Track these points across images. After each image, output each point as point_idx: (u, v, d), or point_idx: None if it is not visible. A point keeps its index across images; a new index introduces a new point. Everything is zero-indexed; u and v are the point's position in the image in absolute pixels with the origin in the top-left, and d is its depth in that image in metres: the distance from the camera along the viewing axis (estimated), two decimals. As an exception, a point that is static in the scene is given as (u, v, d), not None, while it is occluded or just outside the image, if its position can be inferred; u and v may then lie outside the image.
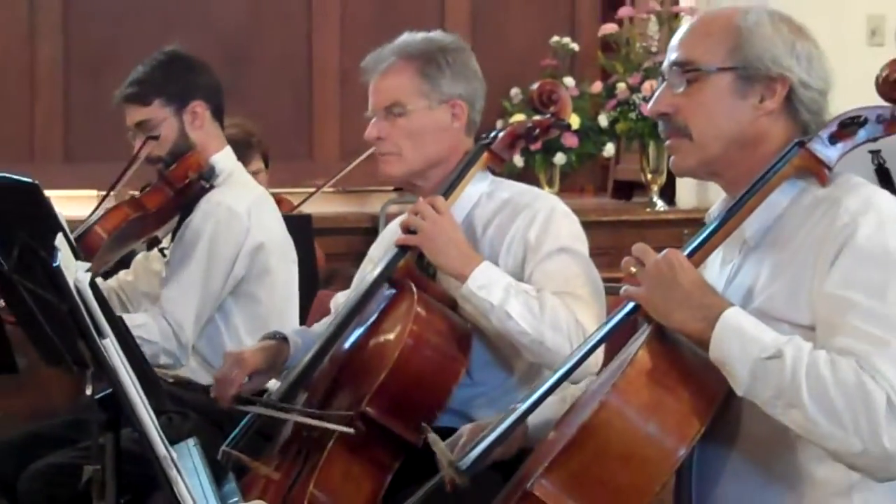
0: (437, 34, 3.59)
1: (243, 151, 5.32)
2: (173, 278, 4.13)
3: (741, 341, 2.42)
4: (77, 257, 2.59)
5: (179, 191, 4.13)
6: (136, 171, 4.24)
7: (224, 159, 4.29)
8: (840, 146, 2.57)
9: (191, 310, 4.08)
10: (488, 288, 3.24)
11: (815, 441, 2.39)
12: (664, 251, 2.52)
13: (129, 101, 4.22)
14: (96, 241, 4.04)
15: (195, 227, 4.13)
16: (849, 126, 2.57)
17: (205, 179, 4.14)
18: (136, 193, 4.16)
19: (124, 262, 4.55)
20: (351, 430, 3.10)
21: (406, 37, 3.55)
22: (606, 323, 2.67)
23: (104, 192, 4.27)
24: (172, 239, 4.22)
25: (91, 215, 4.10)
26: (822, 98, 2.62)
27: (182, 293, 4.09)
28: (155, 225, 4.18)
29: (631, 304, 2.58)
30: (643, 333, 2.54)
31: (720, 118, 2.62)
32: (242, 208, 4.16)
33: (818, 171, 2.57)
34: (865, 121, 2.58)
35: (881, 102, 2.59)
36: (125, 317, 3.98)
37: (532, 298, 3.20)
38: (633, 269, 2.54)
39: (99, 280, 4.24)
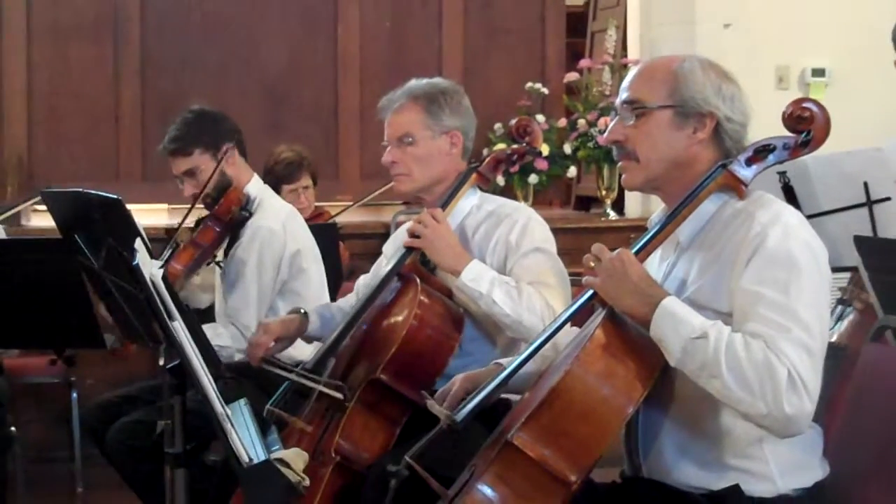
0: (437, 80, 3.59)
1: (295, 170, 5.34)
2: (235, 292, 4.12)
3: (675, 323, 2.42)
4: (152, 257, 2.59)
5: (226, 224, 4.12)
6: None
7: (254, 186, 4.27)
8: (754, 168, 2.57)
9: (252, 314, 4.08)
10: (477, 280, 3.24)
11: (730, 405, 2.40)
12: (617, 250, 2.52)
13: (173, 155, 4.19)
14: (177, 273, 4.05)
15: (245, 247, 4.12)
16: (761, 152, 2.57)
17: (245, 210, 4.14)
18: (193, 232, 4.16)
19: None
20: (340, 396, 3.13)
21: (413, 82, 3.54)
22: (570, 306, 2.67)
23: (173, 205, 4.26)
24: (225, 255, 4.21)
25: (168, 254, 4.08)
26: (742, 129, 2.62)
27: (244, 302, 4.09)
28: (212, 252, 4.18)
29: (590, 292, 2.57)
30: (599, 316, 2.54)
31: (661, 145, 2.61)
32: (279, 226, 4.15)
33: (737, 188, 2.57)
34: (774, 147, 2.58)
35: (787, 133, 2.58)
36: (208, 328, 3.99)
37: (512, 288, 3.20)
38: (592, 264, 2.52)
39: None
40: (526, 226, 3.41)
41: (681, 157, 2.61)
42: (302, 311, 3.59)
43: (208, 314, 4.43)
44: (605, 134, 2.74)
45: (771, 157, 2.58)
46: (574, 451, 2.42)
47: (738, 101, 2.62)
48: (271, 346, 3.46)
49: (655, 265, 2.71)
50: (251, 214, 4.15)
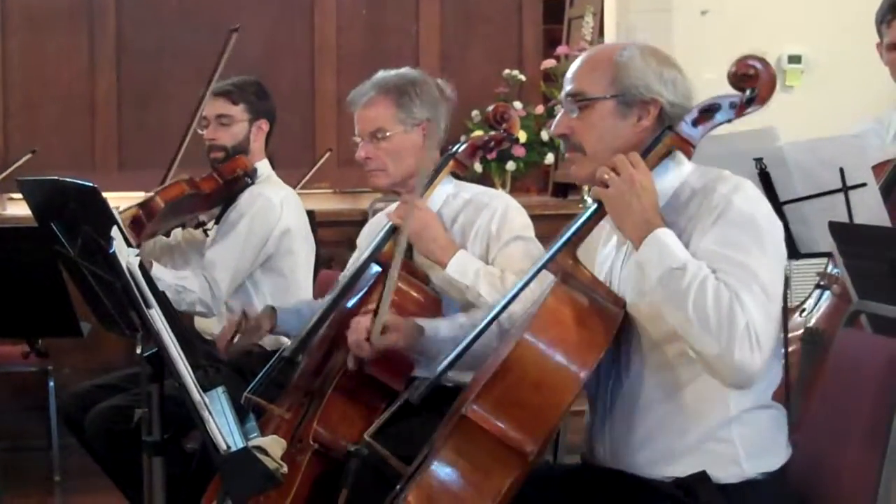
0: (406, 70, 3.58)
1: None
2: (216, 245, 4.18)
3: (660, 252, 2.43)
4: (129, 246, 2.59)
5: (228, 182, 4.19)
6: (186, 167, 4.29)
7: (264, 166, 4.35)
8: (701, 128, 2.56)
9: (227, 271, 4.13)
10: (463, 273, 3.27)
11: (686, 338, 2.41)
12: (636, 171, 2.49)
13: (221, 95, 4.28)
14: (156, 207, 4.07)
15: (240, 209, 4.19)
16: (707, 111, 2.56)
17: (249, 177, 4.21)
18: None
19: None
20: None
21: (381, 74, 3.54)
22: (574, 223, 2.61)
23: (149, 194, 4.26)
24: (216, 222, 4.26)
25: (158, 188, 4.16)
26: (686, 112, 2.60)
27: (221, 257, 4.13)
28: (203, 205, 4.25)
29: (594, 206, 2.57)
30: (550, 285, 2.53)
31: (607, 136, 2.61)
32: (277, 200, 4.22)
33: (685, 148, 2.56)
34: (720, 106, 2.56)
35: (732, 92, 2.58)
36: (173, 271, 4.10)
37: (496, 279, 3.22)
38: (606, 177, 2.50)
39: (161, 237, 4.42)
40: (505, 214, 3.42)
41: (627, 145, 2.58)
42: (270, 308, 3.61)
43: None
44: (552, 127, 2.71)
45: (718, 116, 2.56)
46: (529, 422, 2.41)
47: (681, 84, 2.62)
48: (235, 340, 3.51)
49: (612, 250, 2.72)
50: (253, 184, 4.22)
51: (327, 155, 5.65)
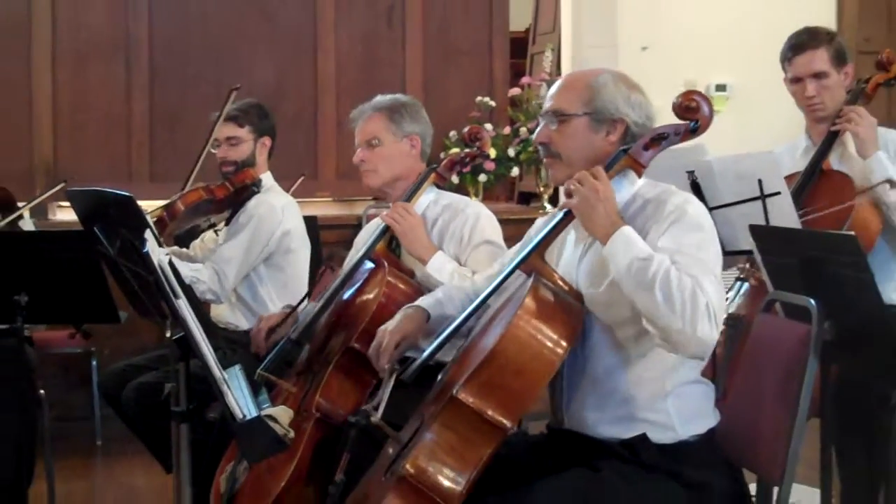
0: (398, 95, 3.63)
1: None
2: (227, 243, 4.16)
3: (627, 245, 2.43)
4: (160, 246, 2.58)
5: (238, 190, 4.18)
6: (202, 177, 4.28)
7: (268, 178, 4.33)
8: (651, 152, 2.57)
9: (234, 266, 4.11)
10: (440, 271, 3.31)
11: (651, 318, 2.39)
12: (598, 182, 2.49)
13: (230, 120, 4.26)
14: (177, 210, 4.11)
15: (248, 213, 4.17)
16: (656, 139, 2.57)
17: (255, 187, 4.20)
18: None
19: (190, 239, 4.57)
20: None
21: (378, 97, 3.59)
22: (546, 225, 2.64)
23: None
24: (226, 224, 4.25)
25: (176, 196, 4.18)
26: (647, 130, 2.62)
27: (231, 253, 4.12)
28: (216, 209, 4.25)
29: (561, 213, 2.58)
30: (527, 284, 2.53)
31: (580, 147, 2.62)
32: (279, 206, 4.21)
33: (637, 169, 2.58)
34: (667, 135, 2.58)
35: (678, 121, 2.59)
36: (189, 264, 4.10)
37: (467, 279, 3.21)
38: (573, 188, 2.52)
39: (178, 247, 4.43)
40: (477, 221, 3.44)
41: (597, 155, 2.61)
42: (291, 306, 3.59)
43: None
44: (535, 136, 2.72)
45: (664, 143, 2.58)
46: (509, 402, 2.41)
47: (644, 107, 2.63)
48: (269, 336, 3.51)
49: (570, 248, 2.71)
50: (259, 191, 4.21)
51: (301, 179, 5.61)
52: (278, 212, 4.18)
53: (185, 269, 4.00)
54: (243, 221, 4.16)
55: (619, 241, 2.44)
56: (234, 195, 4.18)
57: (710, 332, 2.36)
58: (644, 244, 2.44)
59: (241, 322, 4.18)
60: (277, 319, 3.55)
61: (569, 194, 2.53)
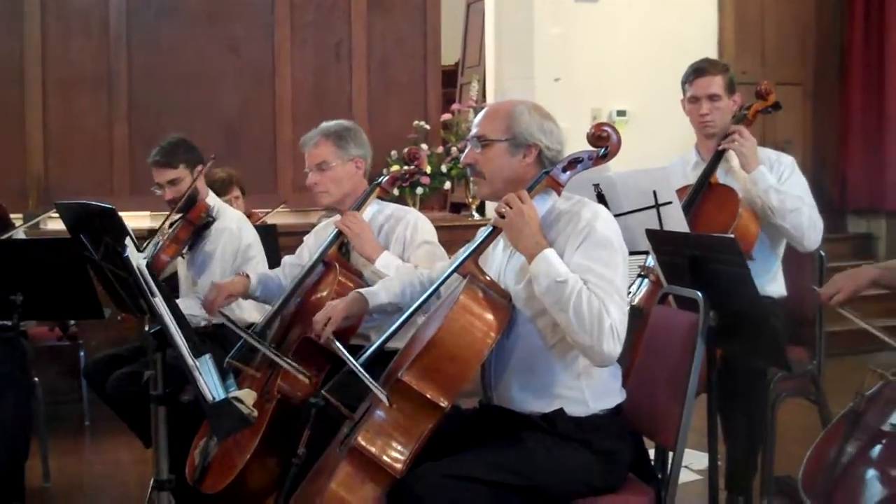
0: (343, 121, 3.58)
1: (227, 185, 5.26)
2: (204, 274, 4.02)
3: (548, 267, 2.43)
4: (138, 251, 2.53)
5: (199, 227, 4.04)
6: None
7: (212, 198, 4.21)
8: (569, 173, 2.59)
9: None
10: (387, 267, 3.29)
11: (568, 333, 2.42)
12: (524, 205, 2.49)
13: (162, 167, 4.09)
14: (162, 262, 4.00)
15: (212, 242, 4.04)
16: (573, 162, 2.60)
17: (210, 216, 4.06)
18: (173, 231, 4.05)
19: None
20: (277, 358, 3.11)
21: (325, 124, 3.55)
22: (475, 241, 2.64)
23: (153, 213, 4.19)
24: (189, 249, 4.10)
25: (158, 246, 4.03)
26: (559, 154, 2.63)
27: (210, 281, 3.90)
28: (186, 246, 4.09)
29: (491, 228, 2.58)
30: (461, 284, 2.53)
31: (501, 168, 2.62)
32: (236, 227, 4.08)
33: (556, 188, 2.59)
34: (582, 159, 2.60)
35: (591, 148, 2.61)
36: (179, 302, 3.92)
37: (412, 271, 3.19)
38: (503, 210, 2.51)
39: None
40: (416, 225, 3.44)
41: (515, 175, 2.61)
42: (244, 273, 3.57)
43: (167, 281, 4.36)
44: (463, 158, 2.72)
45: (580, 166, 2.60)
46: (446, 384, 2.42)
47: (555, 134, 2.64)
48: (223, 301, 3.43)
49: (500, 252, 2.71)
50: (215, 219, 4.07)
51: (281, 206, 5.56)
52: (237, 233, 4.07)
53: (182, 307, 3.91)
54: (209, 250, 4.04)
55: (542, 264, 2.45)
56: (197, 231, 4.05)
57: (613, 349, 2.39)
58: (561, 264, 2.45)
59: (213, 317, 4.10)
60: (231, 286, 3.49)
61: (500, 214, 2.53)
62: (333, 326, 2.85)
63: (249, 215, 5.51)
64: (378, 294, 2.97)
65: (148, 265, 3.82)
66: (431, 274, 2.99)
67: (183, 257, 4.16)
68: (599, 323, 2.37)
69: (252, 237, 4.16)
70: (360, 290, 2.99)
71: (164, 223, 4.15)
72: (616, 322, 2.39)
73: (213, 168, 5.36)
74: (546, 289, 2.42)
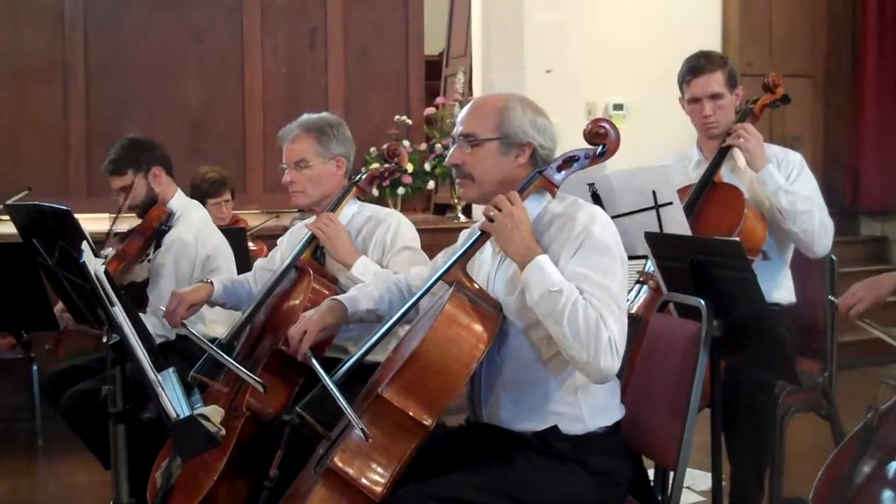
0: (325, 114, 3.56)
1: (220, 187, 5.25)
2: (155, 290, 3.98)
3: (541, 275, 2.42)
4: (96, 256, 2.53)
5: (148, 237, 4.02)
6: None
7: (177, 201, 4.15)
8: (564, 173, 2.59)
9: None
10: (364, 273, 3.28)
11: (562, 347, 2.41)
12: (514, 208, 2.49)
13: (111, 174, 4.08)
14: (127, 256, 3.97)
15: (162, 255, 3.99)
16: (568, 161, 2.59)
17: (164, 225, 4.02)
18: (122, 240, 4.03)
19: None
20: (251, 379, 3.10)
21: (306, 116, 3.52)
22: (463, 246, 2.63)
23: (112, 215, 4.17)
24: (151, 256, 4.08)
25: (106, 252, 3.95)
26: (552, 153, 2.63)
27: (161, 298, 3.85)
28: (138, 259, 4.04)
29: (479, 232, 2.58)
30: (447, 293, 2.53)
31: (491, 168, 2.61)
32: (191, 237, 4.02)
33: (550, 189, 2.59)
34: (578, 157, 2.59)
35: (587, 146, 2.61)
36: (144, 317, 3.89)
37: (391, 278, 3.20)
38: (492, 213, 2.50)
39: None
40: (398, 229, 3.43)
41: (506, 177, 2.61)
42: (208, 280, 3.53)
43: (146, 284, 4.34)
44: (448, 158, 2.70)
45: (576, 165, 2.59)
46: (430, 400, 2.41)
47: (549, 131, 2.63)
48: (185, 311, 3.39)
49: (489, 258, 2.71)
50: (169, 228, 4.02)
51: (230, 201, 5.60)
52: (192, 244, 4.01)
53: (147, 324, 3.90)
54: (161, 262, 3.99)
55: (535, 272, 2.44)
56: (147, 243, 4.02)
57: (611, 364, 2.39)
58: (557, 274, 2.44)
59: (171, 333, 4.07)
60: (192, 295, 3.44)
61: (488, 217, 2.53)
62: (310, 341, 2.80)
63: (236, 221, 5.53)
64: (357, 300, 2.92)
65: (106, 272, 3.87)
66: (410, 280, 2.98)
67: (149, 262, 4.15)
68: (596, 336, 2.36)
69: (212, 247, 4.10)
70: (337, 297, 2.97)
71: (110, 228, 4.12)
72: (615, 335, 2.38)
73: (203, 167, 5.38)
74: (539, 299, 2.42)
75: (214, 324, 4.06)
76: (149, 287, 4.04)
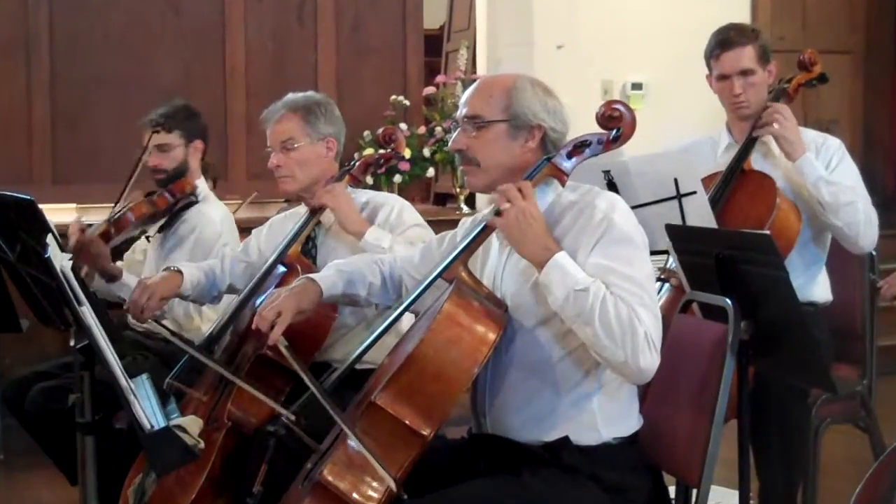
0: (311, 93, 3.58)
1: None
2: (172, 255, 4.05)
3: (563, 275, 2.43)
4: (62, 251, 2.53)
5: (177, 200, 4.09)
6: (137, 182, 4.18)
7: (202, 184, 4.25)
8: (574, 160, 2.59)
9: None
10: (379, 239, 3.29)
11: (595, 349, 2.42)
12: (524, 198, 2.48)
13: (155, 127, 4.16)
14: (126, 222, 4.00)
15: (190, 225, 4.09)
16: (580, 147, 2.60)
17: (193, 196, 4.11)
18: (150, 194, 4.10)
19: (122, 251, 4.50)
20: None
21: (291, 95, 3.54)
22: (464, 239, 2.64)
23: (80, 205, 4.18)
24: (160, 230, 4.16)
25: (121, 205, 4.06)
26: (563, 137, 2.64)
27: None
28: (158, 218, 4.13)
29: (483, 225, 2.59)
30: (447, 291, 2.53)
31: (499, 154, 2.62)
32: (218, 218, 4.13)
33: (559, 177, 2.59)
34: (590, 143, 2.60)
35: (600, 130, 2.61)
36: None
37: (409, 244, 3.24)
38: (504, 206, 2.49)
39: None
40: (401, 210, 3.47)
41: (515, 163, 2.61)
42: (174, 268, 3.52)
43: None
44: (451, 143, 2.71)
45: (587, 151, 2.60)
46: (428, 408, 2.41)
47: (560, 113, 2.64)
48: (156, 304, 3.39)
49: (496, 252, 2.71)
50: (198, 201, 4.12)
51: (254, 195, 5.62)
52: (218, 225, 4.11)
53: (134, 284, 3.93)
54: (183, 233, 4.08)
55: (556, 272, 2.44)
56: (174, 204, 4.10)
57: (651, 362, 2.40)
58: (579, 271, 2.44)
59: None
60: (163, 285, 3.44)
61: (497, 212, 2.52)
62: (284, 324, 2.70)
63: None
64: (334, 282, 2.84)
65: (112, 220, 3.90)
66: (396, 263, 2.95)
67: (148, 239, 4.18)
68: (632, 333, 2.37)
69: (233, 238, 4.18)
70: (311, 275, 2.89)
71: (122, 193, 4.13)
72: (650, 329, 2.39)
73: None
74: (563, 301, 2.42)
75: (211, 322, 4.09)
76: (163, 254, 4.10)
